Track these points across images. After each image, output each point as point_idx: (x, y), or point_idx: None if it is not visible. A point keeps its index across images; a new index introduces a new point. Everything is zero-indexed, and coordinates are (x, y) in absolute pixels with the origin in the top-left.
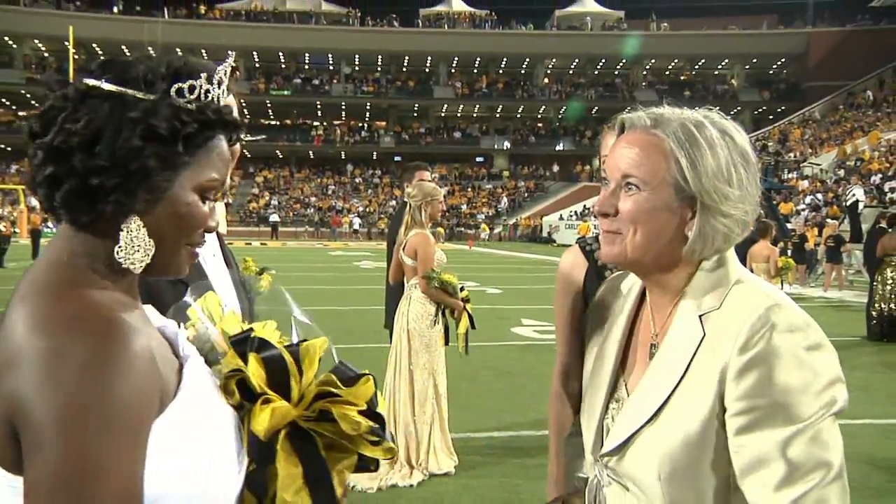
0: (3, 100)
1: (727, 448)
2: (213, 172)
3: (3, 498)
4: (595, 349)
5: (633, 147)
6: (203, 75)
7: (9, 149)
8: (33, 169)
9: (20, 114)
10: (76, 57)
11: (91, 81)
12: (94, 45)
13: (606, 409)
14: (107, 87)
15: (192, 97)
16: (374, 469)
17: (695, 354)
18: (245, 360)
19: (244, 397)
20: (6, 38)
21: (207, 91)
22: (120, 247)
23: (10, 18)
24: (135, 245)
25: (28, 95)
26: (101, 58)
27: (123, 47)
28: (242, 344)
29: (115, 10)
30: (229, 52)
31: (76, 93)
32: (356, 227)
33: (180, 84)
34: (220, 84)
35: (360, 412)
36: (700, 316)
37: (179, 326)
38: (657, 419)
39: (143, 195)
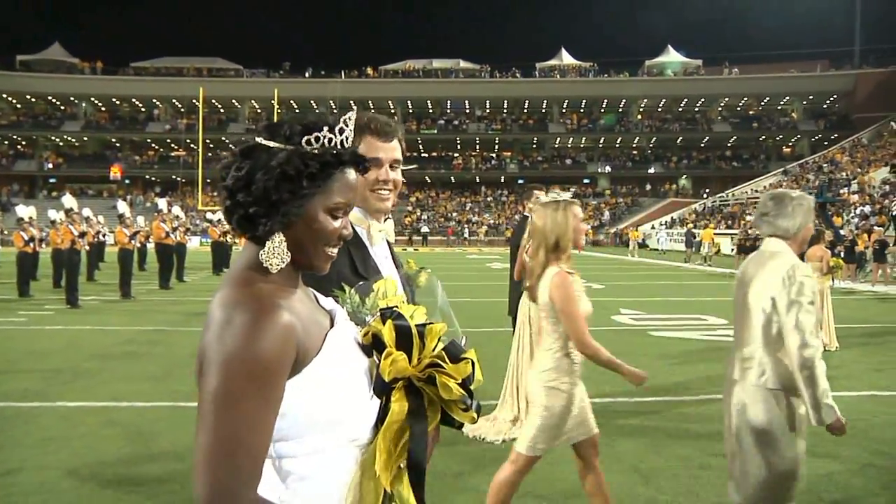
0: (232, 146)
1: None
2: (338, 197)
3: None
4: None
5: None
6: (325, 128)
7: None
8: (221, 203)
9: None
10: (279, 112)
11: (258, 139)
12: (292, 102)
13: None
14: (263, 142)
15: (316, 145)
16: (458, 427)
17: None
18: (384, 324)
19: (377, 349)
20: (234, 101)
21: (330, 139)
22: (263, 252)
23: (236, 86)
24: (275, 253)
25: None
26: (267, 121)
27: (312, 102)
28: (387, 313)
29: (307, 74)
30: (352, 105)
31: (244, 149)
32: (465, 235)
33: (308, 136)
34: (341, 132)
35: (458, 384)
36: None
37: (345, 304)
38: None
39: (282, 218)
